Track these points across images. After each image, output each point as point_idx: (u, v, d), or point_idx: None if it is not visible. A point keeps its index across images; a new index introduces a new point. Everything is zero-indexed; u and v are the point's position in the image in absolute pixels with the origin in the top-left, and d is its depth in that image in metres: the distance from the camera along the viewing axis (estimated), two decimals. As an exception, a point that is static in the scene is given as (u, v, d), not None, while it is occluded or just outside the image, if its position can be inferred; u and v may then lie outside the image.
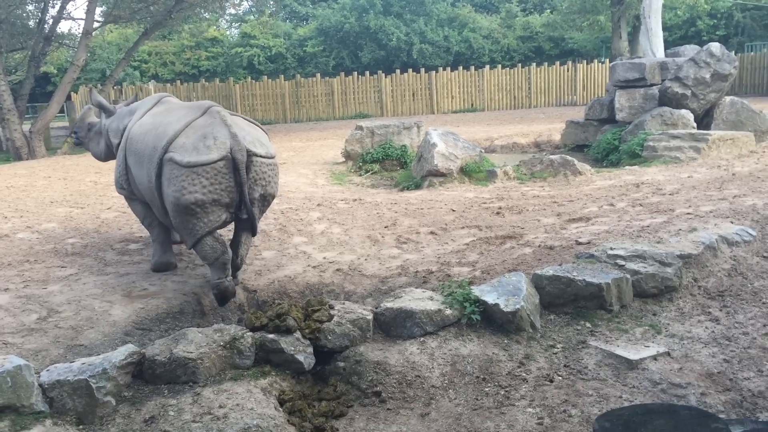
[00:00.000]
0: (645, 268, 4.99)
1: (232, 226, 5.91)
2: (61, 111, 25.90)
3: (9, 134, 19.01)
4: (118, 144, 6.70)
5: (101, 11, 23.39)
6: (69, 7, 29.63)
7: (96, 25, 21.80)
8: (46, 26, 21.70)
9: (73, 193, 10.87)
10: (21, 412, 3.56)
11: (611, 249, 5.34)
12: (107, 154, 7.43)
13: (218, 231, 5.58)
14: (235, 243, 5.74)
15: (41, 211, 9.33)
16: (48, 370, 3.84)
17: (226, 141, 5.36)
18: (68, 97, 24.89)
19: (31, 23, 22.46)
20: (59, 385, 3.70)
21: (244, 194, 5.38)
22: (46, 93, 34.82)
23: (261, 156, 5.51)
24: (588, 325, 4.63)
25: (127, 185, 6.47)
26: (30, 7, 22.61)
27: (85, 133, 7.71)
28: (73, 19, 32.19)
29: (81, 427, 3.65)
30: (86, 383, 3.70)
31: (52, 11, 21.99)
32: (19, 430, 3.48)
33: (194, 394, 3.84)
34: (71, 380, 3.71)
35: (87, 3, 20.37)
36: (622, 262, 5.08)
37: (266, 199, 5.73)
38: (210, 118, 5.69)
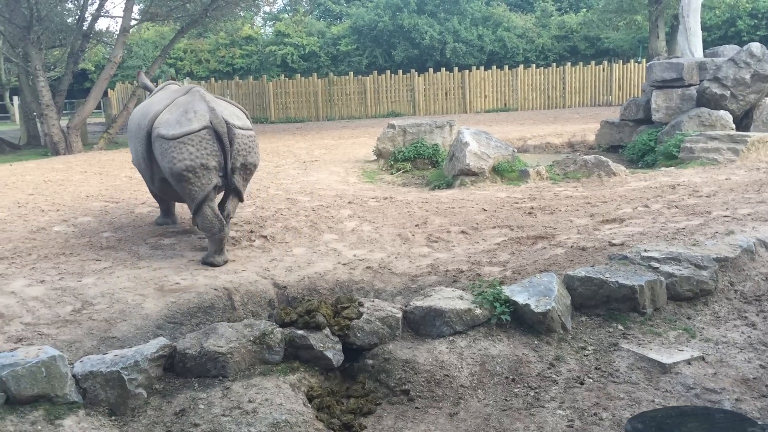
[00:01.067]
0: (680, 270, 4.90)
1: None
2: (98, 107, 26.34)
3: (47, 129, 19.38)
4: None
5: (138, 9, 23.74)
6: (107, 5, 30.15)
7: (133, 22, 22.12)
8: (84, 24, 22.08)
9: (108, 187, 11.05)
10: (55, 402, 3.62)
11: (645, 251, 5.26)
12: None
13: (217, 208, 6.39)
14: (223, 202, 6.63)
15: (77, 205, 9.50)
16: (81, 362, 3.90)
17: (206, 114, 6.20)
18: (105, 94, 25.32)
19: (71, 21, 22.87)
20: (92, 376, 3.76)
21: (227, 162, 6.19)
22: (83, 89, 35.49)
23: (239, 127, 6.34)
24: (620, 327, 4.56)
25: (133, 160, 7.39)
26: (69, 5, 23.04)
27: None
28: (111, 16, 32.90)
29: (113, 418, 3.70)
30: (119, 375, 3.74)
31: (91, 9, 22.38)
32: (53, 419, 3.54)
33: (224, 388, 3.87)
34: (104, 372, 3.76)
35: (125, 1, 20.69)
36: (657, 265, 4.99)
37: (247, 168, 6.50)
38: (190, 96, 6.58)
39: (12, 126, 33.82)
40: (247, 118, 6.78)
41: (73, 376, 3.75)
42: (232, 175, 6.31)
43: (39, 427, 3.48)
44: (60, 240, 7.43)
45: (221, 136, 6.14)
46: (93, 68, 35.72)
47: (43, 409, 3.57)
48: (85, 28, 21.95)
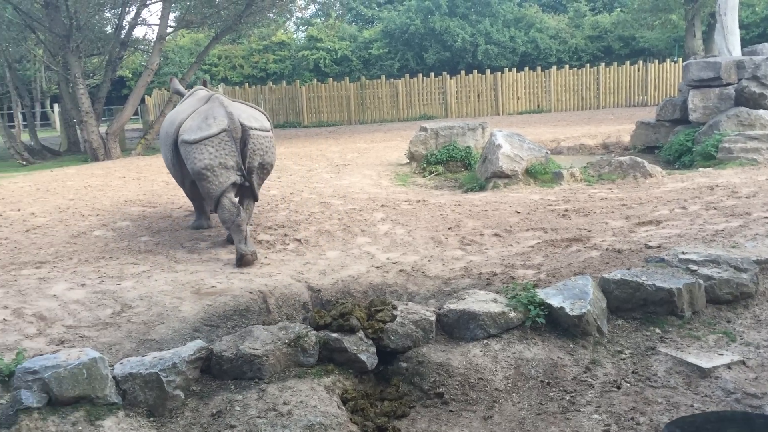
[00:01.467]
0: (719, 273, 4.81)
1: None
2: (135, 113, 26.82)
3: (87, 136, 19.78)
4: None
5: (174, 17, 24.11)
6: (144, 13, 30.66)
7: (169, 30, 22.48)
8: (122, 32, 22.51)
9: (146, 192, 11.24)
10: (95, 403, 3.70)
11: (683, 253, 5.18)
12: None
13: (234, 198, 6.84)
14: (240, 204, 6.97)
15: (116, 209, 9.68)
16: (121, 363, 3.97)
17: (224, 119, 6.81)
18: (142, 100, 25.76)
19: (109, 29, 23.33)
20: (131, 378, 3.83)
21: (245, 161, 6.79)
22: (121, 96, 36.15)
23: (255, 129, 6.90)
24: (658, 331, 4.50)
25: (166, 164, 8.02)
26: (108, 14, 23.51)
27: None
28: (148, 24, 33.40)
29: (151, 419, 3.76)
30: (157, 377, 3.81)
31: (128, 17, 22.81)
32: (94, 420, 3.62)
33: (259, 390, 3.91)
34: (143, 373, 3.83)
35: (161, 9, 21.05)
36: (695, 267, 4.91)
37: (264, 168, 7.09)
38: (210, 103, 7.19)
39: (53, 133, 34.59)
40: (267, 120, 7.36)
41: (113, 377, 3.82)
42: (250, 174, 6.87)
43: (80, 428, 3.56)
44: (100, 244, 7.58)
45: (236, 139, 6.76)
46: (130, 75, 36.37)
47: (84, 410, 3.65)
48: (122, 36, 22.38)
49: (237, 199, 6.95)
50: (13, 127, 23.27)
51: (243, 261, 6.54)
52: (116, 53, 22.24)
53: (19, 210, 9.88)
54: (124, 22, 22.67)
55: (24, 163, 19.57)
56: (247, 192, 7.05)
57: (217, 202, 6.82)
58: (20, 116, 25.17)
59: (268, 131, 7.10)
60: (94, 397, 3.69)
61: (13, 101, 23.64)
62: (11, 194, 11.52)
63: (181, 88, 8.76)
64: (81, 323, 5.01)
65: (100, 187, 12.18)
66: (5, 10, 21.35)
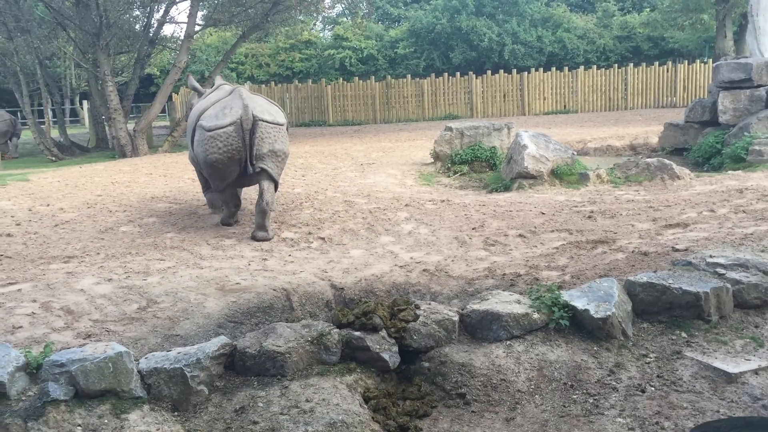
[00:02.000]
0: (747, 277, 4.74)
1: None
2: (163, 111, 27.11)
3: (115, 132, 20.03)
4: None
5: (202, 15, 24.32)
6: (172, 11, 30.99)
7: (197, 28, 22.68)
8: (151, 30, 22.77)
9: (172, 189, 11.36)
10: (121, 397, 3.74)
11: (711, 257, 5.11)
12: None
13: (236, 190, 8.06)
14: (260, 191, 7.65)
15: (143, 206, 9.79)
16: (146, 358, 4.02)
17: (239, 111, 7.50)
18: (169, 98, 26.02)
19: (138, 27, 23.61)
20: (156, 372, 3.87)
21: (251, 152, 7.47)
22: (149, 93, 36.54)
23: (266, 121, 7.58)
24: (684, 335, 4.45)
25: (190, 156, 8.81)
26: (137, 12, 23.79)
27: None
28: (176, 22, 33.75)
29: (176, 413, 3.80)
30: (181, 372, 3.85)
31: (157, 16, 23.07)
32: (119, 413, 3.66)
33: (282, 387, 3.93)
34: (167, 368, 3.87)
35: (189, 7, 21.24)
36: (723, 271, 4.84)
37: (276, 154, 7.70)
38: (232, 95, 7.93)
39: (82, 129, 35.10)
40: (282, 116, 8.05)
41: (139, 372, 3.87)
42: (261, 160, 7.55)
43: (105, 421, 3.61)
44: (127, 240, 7.67)
45: (245, 131, 7.43)
46: (158, 73, 36.75)
47: (110, 403, 3.70)
48: (151, 34, 22.64)
49: (259, 186, 7.72)
50: (43, 123, 23.63)
51: (226, 225, 8.16)
52: (145, 51, 22.50)
53: (48, 205, 10.03)
54: (153, 21, 22.93)
55: (53, 159, 19.89)
56: (264, 176, 7.68)
57: (224, 189, 7.94)
58: (50, 113, 25.54)
59: (279, 125, 7.79)
60: (119, 390, 3.74)
61: (44, 98, 23.99)
62: (41, 189, 11.71)
63: (197, 84, 9.45)
64: (107, 317, 5.07)
65: (127, 183, 12.33)
66: (37, 8, 21.73)
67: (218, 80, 9.17)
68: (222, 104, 7.79)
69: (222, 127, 7.43)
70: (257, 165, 7.52)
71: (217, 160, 7.46)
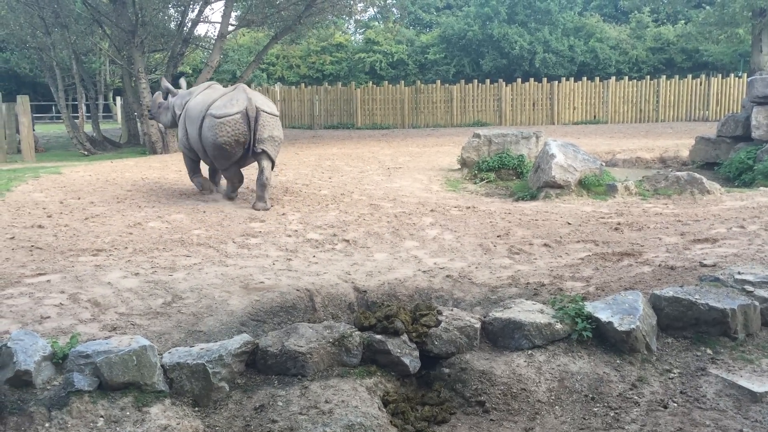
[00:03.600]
0: (776, 296, 4.66)
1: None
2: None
3: (146, 129, 20.29)
4: (180, 115, 10.45)
5: (236, 15, 24.56)
6: (207, 11, 31.33)
7: (230, 28, 22.91)
8: (185, 29, 23.04)
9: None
10: (143, 390, 3.79)
11: (739, 273, 5.04)
12: (172, 123, 11.24)
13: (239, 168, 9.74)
14: (261, 169, 9.40)
15: (171, 202, 9.91)
16: (170, 353, 4.07)
17: (244, 102, 9.21)
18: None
19: (172, 26, 23.91)
20: (179, 367, 3.91)
21: (255, 136, 9.18)
22: (181, 92, 36.89)
23: (266, 112, 9.36)
24: (709, 351, 4.39)
25: (185, 141, 10.20)
26: (172, 11, 24.10)
27: (156, 110, 11.62)
28: (210, 22, 33.98)
29: (196, 408, 3.84)
30: (203, 367, 3.89)
31: (191, 15, 23.35)
32: (141, 406, 3.71)
33: (302, 387, 3.95)
34: (190, 363, 3.91)
35: (223, 8, 21.47)
36: (751, 288, 4.77)
37: (274, 139, 9.46)
38: (237, 91, 9.60)
39: (114, 125, 35.62)
40: (276, 109, 9.83)
41: (162, 366, 3.92)
42: (262, 143, 9.28)
43: (127, 413, 3.66)
44: (154, 235, 7.77)
45: (250, 117, 9.12)
46: (190, 72, 37.14)
47: (133, 395, 3.75)
48: (185, 33, 22.91)
49: (259, 165, 9.43)
50: (77, 118, 24.02)
51: (228, 199, 9.88)
52: (178, 50, 22.77)
53: (79, 198, 10.20)
54: (187, 20, 23.21)
55: (86, 153, 20.20)
56: (264, 156, 9.42)
57: (228, 168, 9.64)
58: (84, 108, 25.96)
59: (276, 115, 9.63)
60: (142, 383, 3.79)
61: (78, 93, 24.40)
62: (72, 183, 11.90)
63: (170, 86, 11.30)
64: (133, 311, 5.14)
65: (156, 179, 12.48)
66: (75, 4, 22.10)
67: (194, 84, 11.34)
68: (228, 97, 9.44)
69: (230, 115, 9.11)
70: (258, 147, 9.25)
71: (225, 142, 9.12)
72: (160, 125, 14.97)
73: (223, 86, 10.59)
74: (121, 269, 6.23)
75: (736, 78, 28.59)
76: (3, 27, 22.98)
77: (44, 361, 3.79)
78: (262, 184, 9.34)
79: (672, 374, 4.20)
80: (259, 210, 9.16)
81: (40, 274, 6.03)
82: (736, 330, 4.47)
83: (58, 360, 3.85)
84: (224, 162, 9.49)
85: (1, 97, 19.07)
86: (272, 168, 9.60)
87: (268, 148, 9.37)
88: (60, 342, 4.03)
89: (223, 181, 10.50)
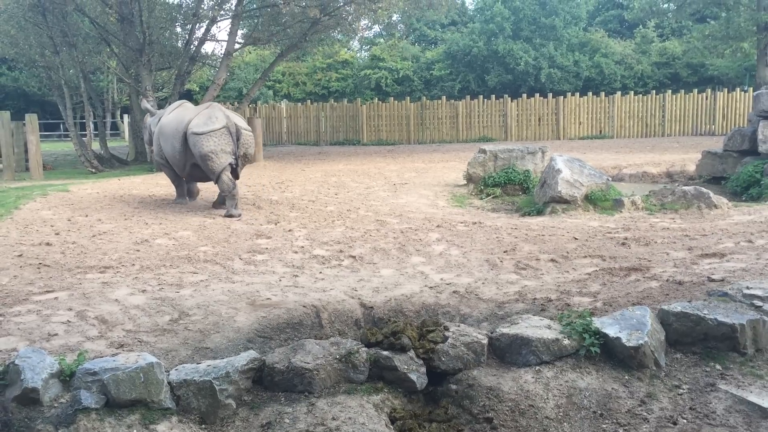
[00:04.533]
0: (785, 310, 4.63)
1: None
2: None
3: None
4: (154, 132, 11.48)
5: (242, 34, 24.75)
6: (213, 29, 31.56)
7: (237, 46, 23.08)
8: (192, 47, 23.22)
9: (207, 203, 11.51)
10: (150, 407, 3.79)
11: (748, 288, 5.01)
12: (149, 141, 12.23)
13: (231, 175, 10.34)
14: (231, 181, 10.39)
15: (178, 219, 9.94)
16: (176, 370, 4.06)
17: (224, 119, 10.24)
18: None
19: (179, 44, 24.09)
20: (186, 384, 3.91)
21: (236, 151, 10.26)
22: (188, 109, 37.08)
23: (244, 128, 10.41)
24: (718, 367, 4.36)
25: (160, 157, 11.22)
26: (179, 30, 24.30)
27: (146, 131, 12.52)
28: (217, 40, 34.09)
29: (203, 426, 3.83)
30: (210, 385, 3.88)
31: (198, 33, 23.52)
32: (148, 424, 3.70)
33: (309, 404, 3.94)
34: (197, 381, 3.91)
35: (230, 26, 21.64)
36: (760, 303, 4.74)
37: (247, 157, 10.63)
38: (211, 109, 10.57)
39: (122, 143, 35.81)
40: (247, 124, 10.81)
41: (168, 383, 3.91)
42: (237, 159, 10.28)
43: (135, 431, 3.65)
44: (161, 252, 7.79)
45: (232, 133, 10.22)
46: (197, 89, 37.40)
47: (139, 413, 3.75)
48: (192, 51, 23.08)
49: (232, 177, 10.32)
50: (84, 136, 24.20)
51: (231, 217, 9.96)
52: (185, 68, 22.94)
53: (86, 216, 10.24)
54: (194, 38, 23.39)
55: (93, 170, 20.29)
56: (233, 172, 10.44)
57: (219, 178, 10.28)
58: (92, 125, 26.12)
59: (251, 131, 10.73)
60: (149, 401, 3.78)
61: (86, 111, 24.56)
62: (80, 200, 11.96)
63: (148, 106, 12.91)
64: (140, 328, 5.15)
65: (163, 196, 12.53)
66: (83, 24, 22.32)
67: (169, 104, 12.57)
68: (205, 115, 10.40)
69: (215, 130, 10.15)
70: (235, 163, 10.34)
71: (212, 150, 10.11)
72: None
73: (230, 103, 11.65)
74: (128, 286, 6.25)
75: (742, 92, 28.61)
76: (12, 46, 23.19)
77: (51, 379, 3.79)
78: (227, 193, 10.47)
79: (681, 390, 4.17)
80: (234, 217, 10.06)
81: (48, 292, 6.05)
82: (746, 345, 4.44)
83: (66, 377, 3.85)
84: (214, 172, 10.25)
85: (10, 115, 19.18)
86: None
87: (241, 164, 10.58)
88: (67, 359, 4.04)
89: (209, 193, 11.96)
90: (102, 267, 7.04)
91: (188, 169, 10.79)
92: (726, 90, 29.45)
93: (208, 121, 10.18)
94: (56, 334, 4.91)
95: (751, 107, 13.89)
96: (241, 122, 10.52)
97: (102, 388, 3.75)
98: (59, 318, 5.27)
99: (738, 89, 29.35)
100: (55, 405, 3.72)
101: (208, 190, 12.75)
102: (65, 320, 5.22)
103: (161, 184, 14.43)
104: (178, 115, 10.76)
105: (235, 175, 10.37)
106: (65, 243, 8.26)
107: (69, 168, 21.97)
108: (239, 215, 10.02)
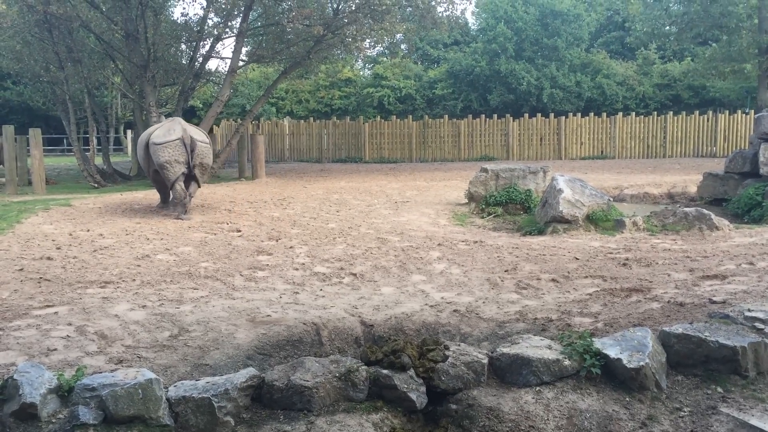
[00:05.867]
0: (787, 333, 4.61)
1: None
2: (204, 143, 27.56)
3: (156, 162, 20.40)
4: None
5: (246, 51, 24.89)
6: (218, 47, 31.75)
7: (241, 63, 23.20)
8: (196, 64, 23.35)
9: (209, 220, 11.52)
10: (149, 424, 3.77)
11: (749, 310, 5.00)
12: None
13: (184, 184, 11.93)
14: (187, 187, 12.02)
15: (179, 235, 9.95)
16: (175, 386, 4.04)
17: (180, 132, 11.82)
18: (210, 130, 26.55)
19: (184, 61, 24.24)
20: (184, 401, 3.89)
21: (189, 161, 11.75)
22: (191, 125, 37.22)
23: (198, 140, 11.99)
24: (719, 390, 4.33)
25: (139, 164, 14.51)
26: (183, 47, 24.46)
27: None
28: (221, 57, 34.20)
29: (201, 443, 3.80)
30: (209, 402, 3.87)
31: (203, 50, 23.67)
32: (146, 440, 3.68)
33: (308, 422, 3.92)
34: (196, 397, 3.89)
35: (234, 43, 21.79)
36: (761, 326, 4.73)
37: (203, 166, 12.16)
38: (173, 123, 12.26)
39: (125, 158, 35.92)
40: (207, 137, 12.64)
41: (167, 399, 3.89)
42: (194, 169, 11.87)
43: (132, 447, 3.62)
44: (162, 267, 7.79)
45: (186, 145, 11.71)
46: (201, 105, 37.55)
47: (137, 429, 3.73)
48: (196, 68, 23.21)
49: (184, 185, 11.89)
50: (87, 150, 24.23)
51: (179, 219, 11.34)
52: (189, 84, 23.06)
53: (88, 230, 10.25)
54: (198, 55, 23.53)
55: (96, 185, 20.33)
56: (192, 179, 12.08)
57: (173, 186, 11.89)
58: (95, 141, 26.20)
59: (207, 143, 12.28)
60: (147, 417, 3.76)
61: (90, 126, 24.66)
62: (82, 215, 11.97)
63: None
64: (140, 344, 5.13)
65: (165, 212, 12.53)
66: (88, 39, 22.48)
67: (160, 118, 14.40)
68: (165, 128, 12.09)
69: (170, 141, 11.69)
70: (193, 171, 11.85)
71: (167, 161, 11.66)
72: None
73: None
74: (128, 301, 6.24)
75: (743, 114, 28.71)
76: (17, 61, 23.33)
77: (50, 394, 3.77)
78: (178, 202, 12.03)
79: (682, 413, 4.15)
80: (183, 220, 11.33)
81: (48, 306, 6.04)
82: (747, 368, 4.42)
83: (64, 393, 3.83)
84: (169, 180, 11.82)
85: (14, 129, 19.25)
86: (199, 187, 12.41)
87: (198, 174, 12.04)
88: (66, 375, 4.02)
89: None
90: (102, 282, 7.04)
91: (153, 174, 12.52)
92: (727, 112, 29.56)
93: (166, 133, 11.81)
94: (55, 349, 4.90)
95: (753, 129, 13.94)
96: (198, 135, 12.09)
97: (100, 404, 3.73)
98: (59, 333, 5.26)
99: (739, 111, 29.45)
100: (53, 421, 3.70)
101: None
102: (65, 335, 5.21)
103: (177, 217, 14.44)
104: (154, 127, 12.79)
105: (197, 181, 12.10)
106: (66, 257, 8.26)
107: (71, 182, 22.01)
108: (188, 219, 11.40)
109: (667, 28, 29.91)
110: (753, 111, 26.88)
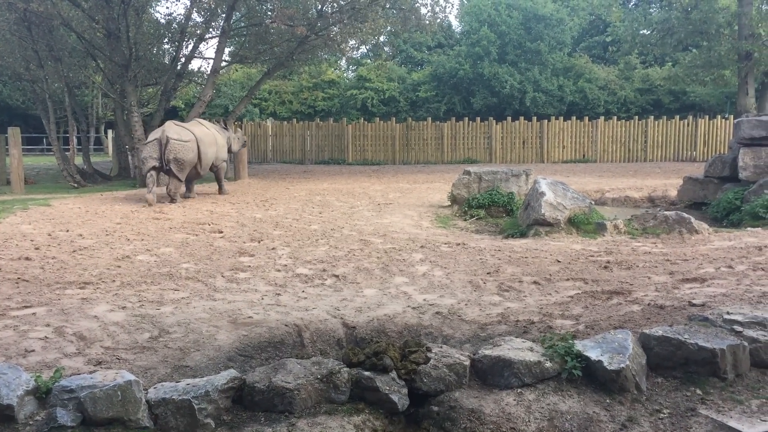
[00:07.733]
0: (765, 336, 4.66)
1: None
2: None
3: (137, 162, 20.25)
4: None
5: (229, 51, 24.79)
6: (201, 47, 31.57)
7: (223, 64, 23.11)
8: (178, 64, 23.20)
9: (190, 221, 11.45)
10: (128, 426, 3.73)
11: (728, 313, 5.05)
12: None
13: (156, 174, 14.32)
14: (167, 183, 14.11)
15: (160, 235, 9.87)
16: (155, 388, 4.01)
17: (159, 133, 14.15)
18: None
19: (166, 61, 24.07)
20: (164, 403, 3.86)
21: (163, 158, 13.83)
22: (173, 125, 36.97)
23: (174, 139, 13.92)
24: (698, 392, 4.37)
25: None
26: (166, 46, 24.30)
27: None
28: (204, 58, 34.08)
29: (181, 445, 3.77)
30: (189, 403, 3.83)
31: (186, 50, 23.52)
32: (125, 442, 3.64)
33: (289, 424, 3.90)
34: (176, 399, 3.85)
35: (217, 44, 21.68)
36: (740, 329, 4.78)
37: (179, 161, 14.00)
38: (164, 125, 14.35)
39: (105, 158, 35.61)
40: (189, 136, 14.41)
41: (147, 401, 3.86)
42: (168, 164, 13.90)
43: (111, 449, 3.58)
44: (142, 268, 7.72)
45: (162, 144, 13.84)
46: (183, 106, 37.35)
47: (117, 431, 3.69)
48: (178, 68, 23.06)
49: (154, 175, 14.17)
50: (67, 150, 24.02)
51: (146, 200, 13.64)
52: (171, 84, 22.89)
53: (67, 231, 10.14)
54: (181, 55, 23.37)
55: (75, 185, 20.13)
56: (171, 174, 14.12)
57: (144, 177, 14.33)
58: (75, 140, 25.94)
59: (185, 141, 14.17)
60: (126, 419, 3.73)
61: (70, 125, 24.42)
62: (61, 215, 11.84)
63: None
64: (119, 345, 5.08)
65: (146, 212, 12.43)
66: (69, 38, 22.26)
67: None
68: (157, 129, 14.42)
69: (149, 142, 14.21)
70: (167, 166, 13.89)
71: (145, 157, 14.06)
72: None
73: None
74: (108, 303, 6.18)
75: (723, 119, 29.06)
76: (-4, 59, 23.06)
77: (27, 396, 3.73)
78: (167, 194, 14.23)
79: (662, 414, 4.18)
80: (150, 202, 13.45)
81: (26, 307, 5.97)
82: (726, 370, 4.46)
83: (42, 395, 3.79)
84: (144, 169, 14.17)
85: (-7, 128, 19.04)
86: (179, 182, 14.23)
87: (174, 169, 13.93)
88: (44, 376, 3.97)
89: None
90: (82, 283, 6.96)
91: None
92: (707, 117, 29.91)
93: (151, 134, 14.42)
94: (33, 351, 4.84)
95: (732, 134, 14.12)
96: (174, 134, 14.02)
97: (78, 406, 3.69)
98: (37, 334, 5.20)
99: (719, 116, 29.80)
100: (31, 422, 3.65)
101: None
102: (43, 336, 5.15)
103: (144, 200, 14.33)
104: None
105: (174, 176, 14.10)
106: (45, 258, 8.17)
107: (51, 182, 21.78)
108: (152, 201, 13.53)
109: (647, 32, 30.17)
110: (732, 116, 27.19)
